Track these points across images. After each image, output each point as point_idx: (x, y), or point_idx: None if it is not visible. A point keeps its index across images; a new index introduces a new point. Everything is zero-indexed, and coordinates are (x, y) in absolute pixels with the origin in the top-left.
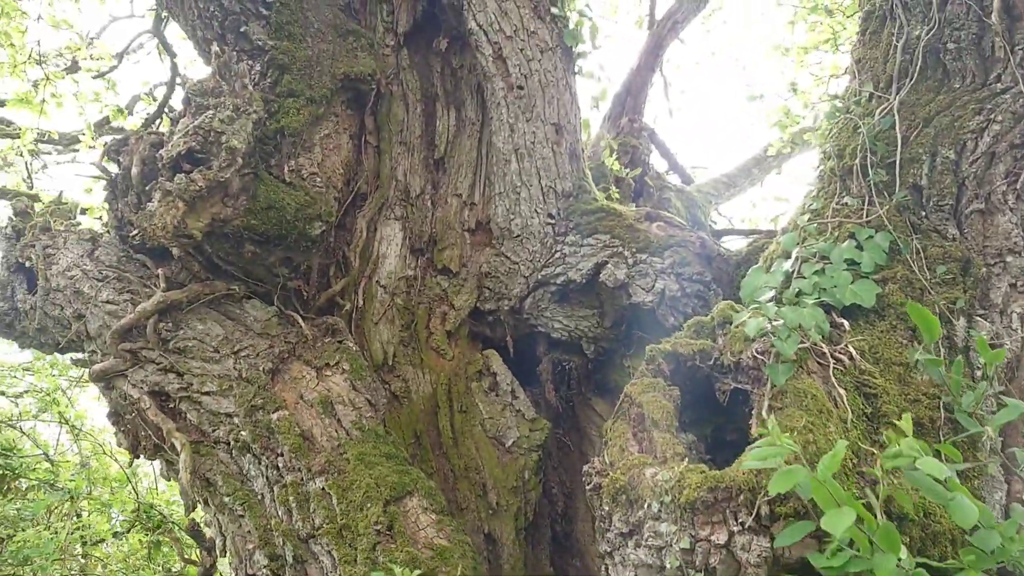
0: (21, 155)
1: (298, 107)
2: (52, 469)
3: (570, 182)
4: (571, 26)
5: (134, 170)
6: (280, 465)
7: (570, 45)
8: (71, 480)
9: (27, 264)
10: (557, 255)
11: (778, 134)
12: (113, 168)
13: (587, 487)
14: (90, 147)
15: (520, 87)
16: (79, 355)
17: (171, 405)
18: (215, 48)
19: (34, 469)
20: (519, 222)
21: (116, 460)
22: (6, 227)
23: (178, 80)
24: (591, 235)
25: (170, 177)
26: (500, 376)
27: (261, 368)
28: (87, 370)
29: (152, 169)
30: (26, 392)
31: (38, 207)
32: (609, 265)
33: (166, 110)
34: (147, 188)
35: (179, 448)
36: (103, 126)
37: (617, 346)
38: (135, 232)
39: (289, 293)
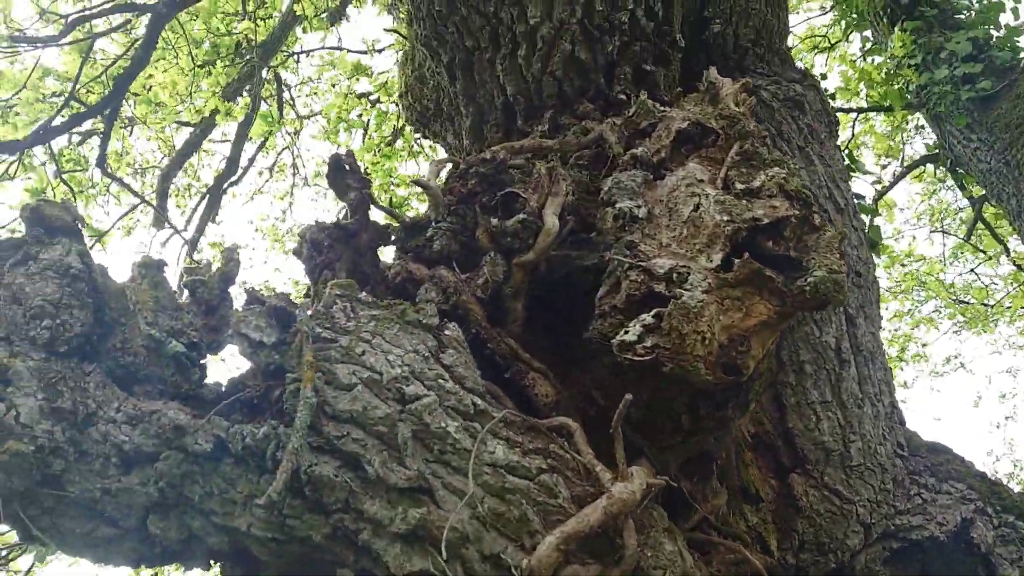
0: None
1: None
2: None
3: None
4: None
5: None
6: None
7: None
8: None
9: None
10: (917, 500)
11: None
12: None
13: None
14: None
15: (859, 273)
16: None
17: None
18: None
19: None
20: (860, 446)
21: None
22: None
23: None
24: (945, 480)
25: None
26: None
27: None
28: None
29: None
30: None
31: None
32: (979, 523)
33: None
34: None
35: None
36: None
37: None
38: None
39: None
